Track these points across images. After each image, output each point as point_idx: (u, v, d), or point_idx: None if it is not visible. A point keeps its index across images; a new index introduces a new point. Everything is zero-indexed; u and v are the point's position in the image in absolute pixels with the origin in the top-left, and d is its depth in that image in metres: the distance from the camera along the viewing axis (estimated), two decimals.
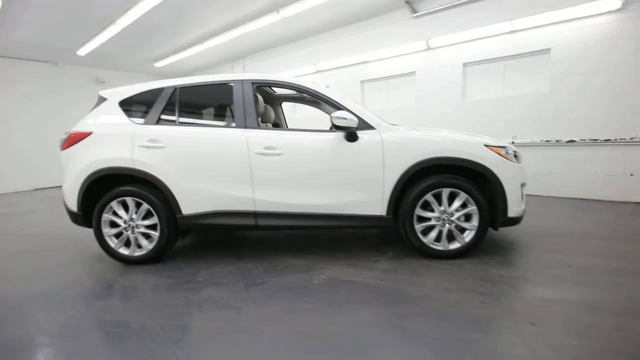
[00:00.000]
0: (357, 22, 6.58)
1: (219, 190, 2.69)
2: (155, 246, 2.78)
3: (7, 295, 2.40)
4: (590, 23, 4.39)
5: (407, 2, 5.73)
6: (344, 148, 2.61)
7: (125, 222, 2.78)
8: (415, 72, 6.07)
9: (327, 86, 4.41)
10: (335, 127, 2.54)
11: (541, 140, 4.91)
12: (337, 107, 2.68)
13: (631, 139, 4.27)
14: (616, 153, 4.43)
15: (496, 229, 2.74)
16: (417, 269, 2.53)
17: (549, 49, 4.74)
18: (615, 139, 4.40)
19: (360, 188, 2.63)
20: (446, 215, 2.63)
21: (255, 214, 2.71)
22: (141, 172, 2.69)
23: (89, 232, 3.24)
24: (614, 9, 4.19)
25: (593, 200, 4.63)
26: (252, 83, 2.81)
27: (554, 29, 4.65)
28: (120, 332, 1.83)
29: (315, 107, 3.93)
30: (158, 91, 2.87)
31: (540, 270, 2.45)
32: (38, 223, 4.77)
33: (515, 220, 2.68)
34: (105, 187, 2.82)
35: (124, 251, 2.83)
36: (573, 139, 4.67)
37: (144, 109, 2.87)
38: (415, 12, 5.77)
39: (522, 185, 2.70)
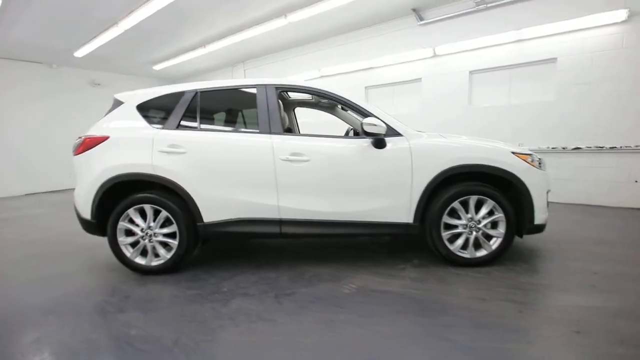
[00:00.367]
0: (364, 28, 6.61)
1: (243, 198, 2.62)
2: (173, 255, 2.67)
3: (17, 304, 2.26)
4: (596, 34, 4.50)
5: (414, 10, 5.79)
6: (372, 155, 2.58)
7: (142, 230, 2.67)
8: (421, 78, 6.12)
9: None
10: (365, 134, 2.50)
11: (547, 147, 4.98)
12: (365, 113, 2.65)
13: (636, 146, 4.37)
14: (621, 160, 4.52)
15: (521, 236, 2.74)
16: (446, 277, 2.50)
17: (555, 59, 4.84)
18: (621, 147, 4.49)
19: (387, 195, 2.60)
20: (473, 222, 2.62)
21: (279, 222, 2.64)
22: (162, 178, 2.60)
23: (97, 239, 3.15)
24: (619, 20, 4.31)
25: (598, 206, 4.71)
26: (276, 88, 2.76)
27: (560, 39, 4.75)
28: (152, 349, 1.73)
29: (330, 113, 3.90)
30: (178, 95, 2.79)
31: (568, 278, 2.45)
32: (40, 229, 4.58)
33: (541, 228, 2.68)
34: (121, 194, 2.71)
35: (140, 260, 2.71)
36: (579, 147, 4.76)
37: (163, 113, 2.78)
38: (422, 19, 5.83)
39: (547, 192, 2.71)
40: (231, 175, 2.62)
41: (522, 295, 2.20)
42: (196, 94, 2.78)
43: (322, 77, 7.43)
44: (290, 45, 7.76)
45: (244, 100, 2.87)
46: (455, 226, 2.64)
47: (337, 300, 2.19)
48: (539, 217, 2.63)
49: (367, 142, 2.60)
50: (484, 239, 2.63)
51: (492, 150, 2.62)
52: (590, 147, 4.69)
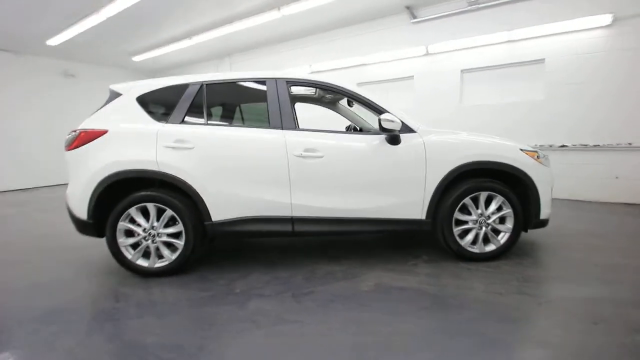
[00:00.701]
0: (356, 24, 6.57)
1: (254, 195, 2.52)
2: (179, 256, 2.54)
3: (14, 318, 2.06)
4: (582, 37, 4.71)
5: (408, 8, 5.82)
6: (386, 151, 2.55)
7: (144, 230, 2.52)
8: (413, 76, 6.18)
9: None
10: (382, 130, 2.47)
11: (535, 145, 5.17)
12: (379, 110, 2.62)
13: (617, 144, 4.62)
14: (604, 157, 4.78)
15: (526, 230, 2.82)
16: (459, 272, 2.53)
17: (543, 59, 5.02)
18: (604, 145, 4.74)
19: (401, 192, 2.59)
20: (483, 218, 2.66)
21: (292, 220, 2.57)
22: (167, 175, 2.45)
23: (82, 241, 2.99)
24: (604, 24, 4.52)
25: (584, 201, 4.95)
26: (287, 82, 2.67)
27: (548, 40, 4.93)
28: (177, 357, 1.62)
29: (331, 108, 3.85)
30: (182, 87, 2.64)
31: (573, 270, 2.55)
32: (11, 232, 4.23)
33: (545, 222, 2.77)
34: (119, 192, 2.53)
35: (142, 263, 2.56)
36: (565, 144, 4.98)
37: (166, 106, 2.63)
38: (415, 17, 5.87)
39: (551, 188, 2.80)
40: (242, 172, 2.51)
41: (534, 288, 2.27)
42: (202, 86, 2.64)
43: (313, 73, 7.34)
44: (281, 39, 7.60)
45: (252, 94, 2.76)
46: (465, 222, 2.68)
47: (357, 299, 2.16)
48: (544, 212, 2.72)
49: (381, 138, 2.57)
50: (492, 234, 2.69)
51: (503, 147, 2.67)
52: (575, 145, 4.92)
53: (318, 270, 2.64)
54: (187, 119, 2.58)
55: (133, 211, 2.49)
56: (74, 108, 8.87)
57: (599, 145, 4.78)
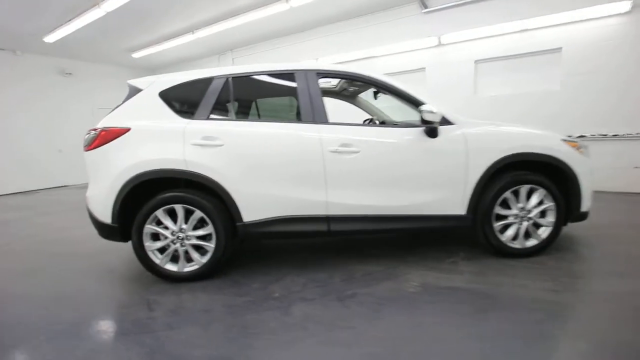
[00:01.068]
0: (364, 15, 6.41)
1: (287, 194, 2.39)
2: (210, 259, 2.41)
3: (42, 334, 1.91)
4: (600, 24, 4.62)
5: None
6: (425, 144, 2.43)
7: (172, 233, 2.38)
8: (425, 68, 6.06)
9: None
10: (423, 122, 2.35)
11: None
12: (416, 101, 2.50)
13: (637, 134, 4.56)
14: (623, 147, 4.72)
15: (565, 224, 2.73)
16: (504, 269, 2.43)
17: (560, 48, 4.93)
18: (623, 134, 4.68)
19: (441, 186, 2.48)
20: (524, 212, 2.57)
21: (327, 219, 2.44)
22: (196, 174, 2.31)
23: (95, 246, 2.86)
24: (622, 11, 4.43)
25: (604, 192, 4.87)
26: (317, 74, 2.53)
27: (565, 28, 4.84)
28: None
29: (350, 102, 3.72)
30: (206, 81, 2.48)
31: (623, 263, 2.45)
32: (21, 237, 4.04)
33: (585, 215, 2.68)
34: (141, 194, 2.38)
35: (171, 267, 2.42)
36: (583, 134, 4.91)
37: (191, 101, 2.47)
38: (426, 7, 5.74)
39: (592, 180, 2.71)
40: (274, 170, 2.38)
41: (590, 284, 2.19)
42: (227, 80, 2.49)
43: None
44: (286, 32, 7.41)
45: (281, 87, 2.62)
46: (505, 217, 2.58)
47: (407, 301, 2.05)
48: (585, 205, 2.63)
49: (418, 131, 2.45)
50: (534, 229, 2.60)
51: (545, 138, 2.57)
52: (594, 135, 4.85)
53: (355, 270, 2.52)
54: (213, 114, 2.43)
55: (160, 213, 2.35)
56: (71, 107, 8.62)
57: (617, 135, 4.71)
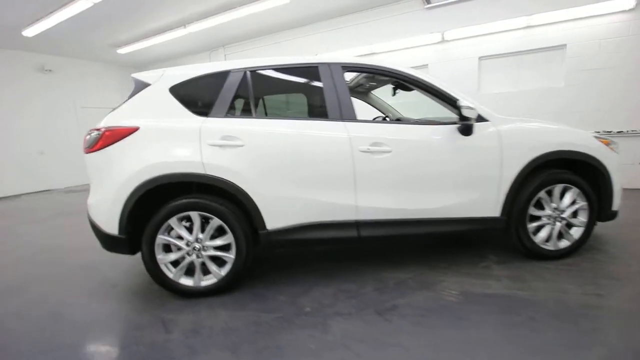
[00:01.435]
0: (365, 10, 6.24)
1: (314, 198, 2.20)
2: (230, 271, 2.19)
3: (42, 354, 1.67)
4: (604, 21, 4.61)
5: None
6: (459, 143, 2.29)
7: (188, 243, 2.15)
8: (427, 64, 5.95)
9: None
10: (462, 119, 2.20)
11: None
12: (450, 97, 2.36)
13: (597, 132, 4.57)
14: (627, 144, 4.74)
15: (595, 223, 2.66)
16: (541, 273, 2.32)
17: (564, 45, 4.91)
18: (627, 131, 4.71)
19: (475, 187, 2.34)
20: (557, 212, 2.47)
21: (357, 224, 2.27)
22: (215, 178, 2.09)
23: (91, 259, 2.69)
24: (627, 8, 4.44)
25: None
26: (342, 67, 2.35)
27: (569, 25, 4.82)
28: None
29: (361, 99, 3.56)
30: (222, 75, 2.26)
31: None
32: (9, 247, 3.68)
33: (616, 214, 2.61)
34: (150, 201, 2.15)
35: (185, 281, 2.20)
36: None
37: (205, 97, 2.24)
38: (429, 2, 5.63)
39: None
40: (300, 172, 2.18)
41: (631, 287, 2.09)
42: (245, 74, 2.28)
43: None
44: (282, 28, 7.17)
45: (304, 82, 2.42)
46: (538, 217, 2.47)
47: (451, 312, 1.91)
48: (616, 203, 2.56)
49: (451, 128, 2.31)
50: (566, 229, 2.50)
51: (579, 135, 2.48)
52: (599, 132, 4.85)
53: (386, 279, 2.36)
54: (231, 111, 2.22)
55: (174, 222, 2.12)
56: (52, 106, 8.12)
57: (622, 131, 4.74)
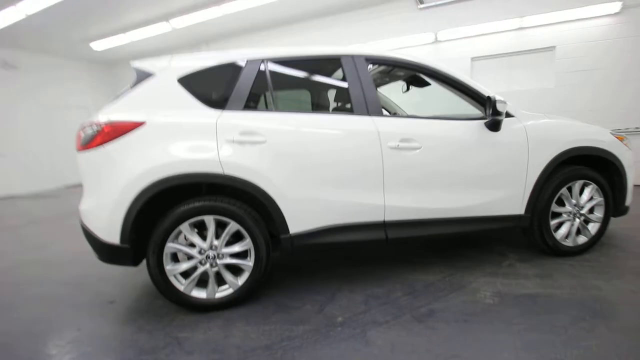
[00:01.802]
0: (357, 9, 6.18)
1: (340, 198, 2.04)
2: (248, 281, 1.99)
3: None
4: (592, 24, 4.81)
5: None
6: (488, 138, 2.22)
7: (201, 251, 1.92)
8: None
9: None
10: (495, 114, 2.12)
11: None
12: (477, 93, 2.29)
13: (636, 128, 4.80)
14: None
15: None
16: (567, 270, 2.29)
17: (554, 47, 5.07)
18: (619, 130, 4.91)
19: (502, 185, 2.28)
20: (576, 209, 2.46)
21: (384, 225, 2.13)
22: (235, 179, 1.87)
23: (79, 269, 2.48)
24: (612, 12, 4.65)
25: None
26: (366, 59, 2.21)
27: (559, 28, 4.99)
28: None
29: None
30: (238, 65, 2.05)
31: None
32: None
33: (627, 209, 2.65)
34: (153, 206, 1.90)
35: (198, 294, 1.96)
36: None
37: (221, 88, 2.02)
38: (422, 2, 5.64)
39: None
40: (326, 170, 2.02)
41: None
42: (263, 63, 2.08)
43: None
44: (268, 26, 6.97)
45: (327, 73, 2.26)
46: (559, 214, 2.45)
47: (494, 315, 1.80)
48: (629, 199, 2.60)
49: (479, 124, 2.24)
50: (584, 225, 2.50)
51: (598, 131, 2.49)
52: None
53: (412, 281, 2.24)
54: (250, 104, 2.01)
55: (186, 228, 1.88)
56: (15, 106, 7.41)
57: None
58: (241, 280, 1.99)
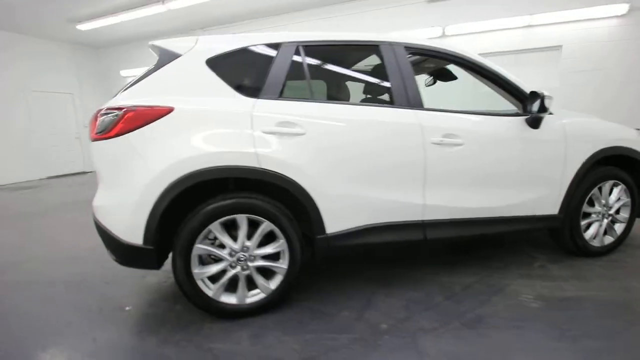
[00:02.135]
0: (361, 0, 6.02)
1: (380, 196, 1.91)
2: (281, 284, 1.84)
3: None
4: (599, 25, 4.85)
5: None
6: (529, 136, 2.14)
7: (231, 253, 1.76)
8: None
9: None
10: (542, 110, 2.03)
11: None
12: (519, 90, 2.21)
13: (637, 129, 4.89)
14: None
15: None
16: (599, 272, 2.26)
17: (560, 46, 5.09)
18: None
19: (540, 183, 2.22)
20: (605, 209, 2.44)
21: (422, 225, 2.02)
22: (271, 174, 1.70)
23: (79, 270, 2.35)
24: (619, 14, 4.69)
25: None
26: (406, 48, 2.07)
27: (566, 27, 5.01)
28: None
29: None
30: (272, 48, 1.86)
31: None
32: None
33: None
34: (177, 203, 1.71)
35: (227, 299, 1.80)
36: None
37: (254, 74, 1.84)
38: None
39: None
40: (366, 166, 1.88)
41: None
42: (298, 48, 1.90)
43: None
44: (270, 13, 6.70)
45: (365, 62, 2.11)
46: (588, 214, 2.42)
47: (545, 321, 1.72)
48: None
49: (519, 120, 2.15)
50: (611, 226, 2.49)
51: (629, 132, 2.46)
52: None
53: (449, 284, 2.14)
54: (286, 93, 1.84)
55: (216, 227, 1.71)
56: None
57: None
58: (274, 284, 1.84)
